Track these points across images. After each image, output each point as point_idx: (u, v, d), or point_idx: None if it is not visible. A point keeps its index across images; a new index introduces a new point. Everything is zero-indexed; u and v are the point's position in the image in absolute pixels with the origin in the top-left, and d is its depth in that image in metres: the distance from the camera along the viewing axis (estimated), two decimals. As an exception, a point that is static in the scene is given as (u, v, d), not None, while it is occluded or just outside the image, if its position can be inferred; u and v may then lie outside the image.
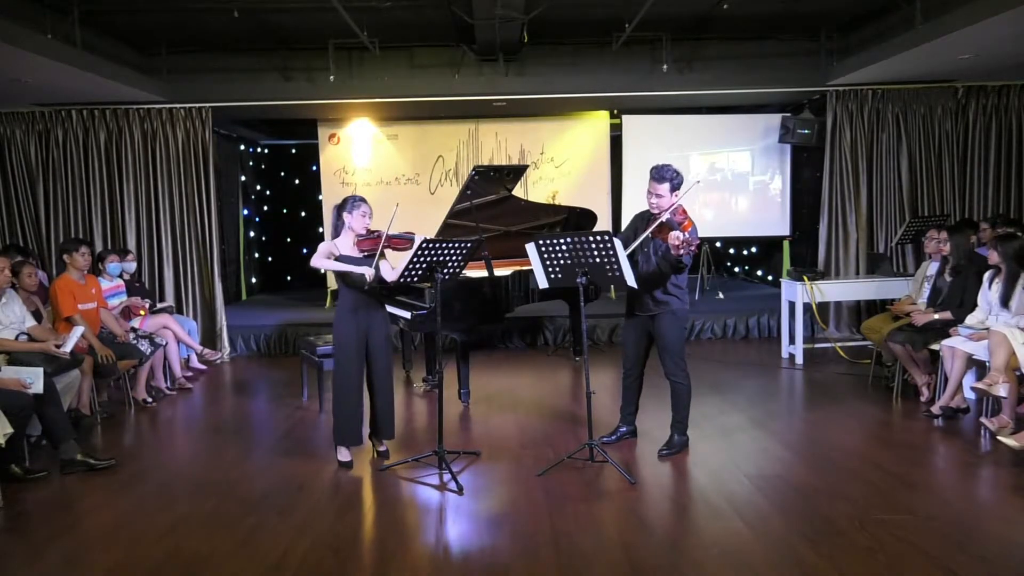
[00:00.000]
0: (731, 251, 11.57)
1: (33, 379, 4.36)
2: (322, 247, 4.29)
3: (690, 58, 8.02)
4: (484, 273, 5.92)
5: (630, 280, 4.13)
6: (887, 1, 6.81)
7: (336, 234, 4.36)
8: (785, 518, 3.61)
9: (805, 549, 3.28)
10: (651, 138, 8.87)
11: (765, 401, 5.79)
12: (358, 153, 9.13)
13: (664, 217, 4.23)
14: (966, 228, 5.73)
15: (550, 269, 4.29)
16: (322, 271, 9.64)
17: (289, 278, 11.23)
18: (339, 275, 4.32)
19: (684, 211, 4.31)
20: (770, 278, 10.17)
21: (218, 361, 7.32)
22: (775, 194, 9.15)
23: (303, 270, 10.98)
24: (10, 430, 4.06)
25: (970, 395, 5.05)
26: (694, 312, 8.03)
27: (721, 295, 9.18)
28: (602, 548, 3.35)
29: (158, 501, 4.03)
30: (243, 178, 10.32)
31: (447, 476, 4.17)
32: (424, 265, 4.15)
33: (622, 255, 4.07)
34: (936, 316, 5.28)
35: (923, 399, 5.42)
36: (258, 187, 10.94)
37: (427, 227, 5.66)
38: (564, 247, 4.18)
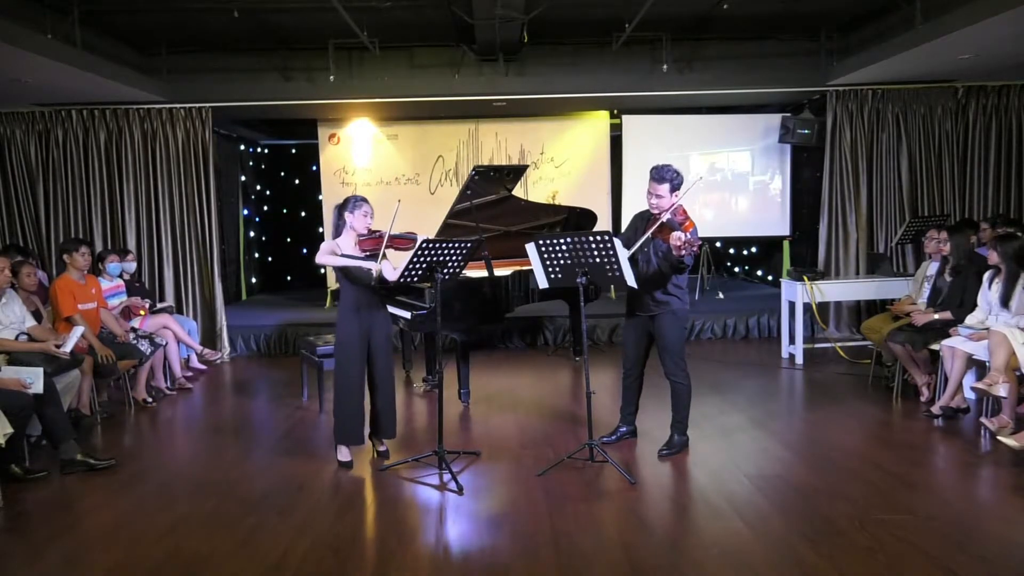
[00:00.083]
0: (731, 251, 11.57)
1: (33, 379, 4.36)
2: (324, 246, 4.29)
3: (690, 58, 8.02)
4: (484, 273, 5.92)
5: (630, 280, 4.13)
6: (887, 1, 6.81)
7: (337, 233, 4.36)
8: (785, 518, 3.61)
9: (805, 549, 3.28)
10: (651, 138, 8.87)
11: (765, 401, 5.79)
12: (358, 153, 9.13)
13: (665, 217, 4.23)
14: (966, 228, 5.73)
15: (550, 269, 4.29)
16: (321, 271, 9.66)
17: (289, 278, 11.24)
18: (342, 274, 4.32)
19: (684, 211, 4.31)
20: (770, 278, 10.17)
21: (218, 361, 7.32)
22: (775, 194, 9.15)
23: (303, 270, 11.04)
24: (10, 430, 4.06)
25: (970, 395, 5.05)
26: (694, 312, 8.03)
27: (721, 295, 9.18)
28: (602, 548, 3.35)
29: (158, 501, 4.03)
30: (243, 178, 10.32)
31: (447, 476, 4.17)
32: (424, 265, 4.16)
33: (622, 255, 4.07)
34: (936, 316, 5.28)
35: (923, 399, 5.42)
36: (258, 187, 10.94)
37: (427, 227, 5.65)
38: (564, 247, 4.18)
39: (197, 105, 7.64)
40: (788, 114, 8.59)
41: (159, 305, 6.90)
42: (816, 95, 8.13)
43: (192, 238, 7.75)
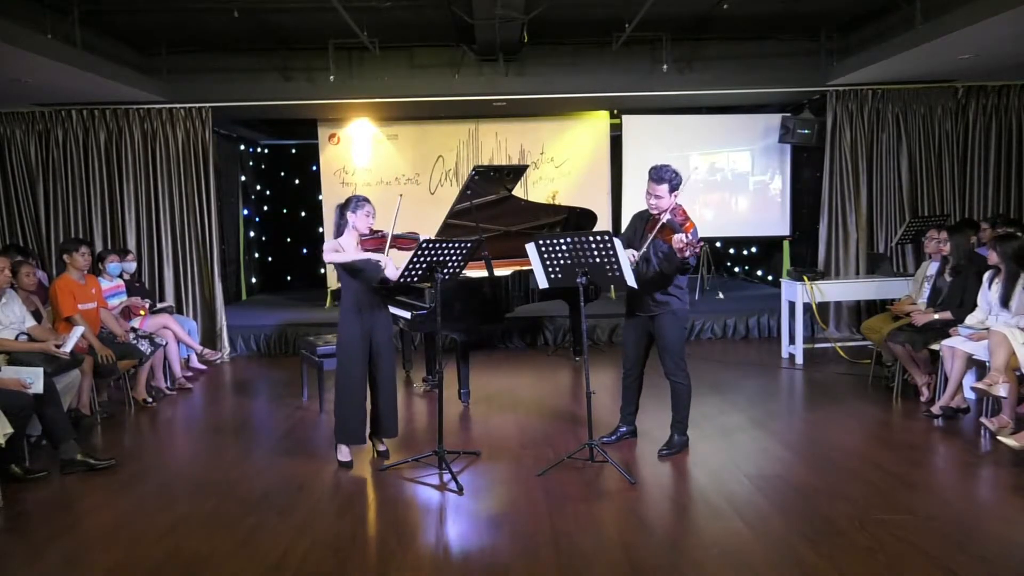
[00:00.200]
0: (731, 251, 11.57)
1: (33, 379, 4.36)
2: (329, 245, 4.29)
3: (690, 58, 8.02)
4: (484, 273, 5.92)
5: (630, 280, 4.13)
6: (887, 1, 6.81)
7: (339, 233, 4.36)
8: (785, 518, 3.61)
9: (805, 549, 3.28)
10: (651, 138, 8.87)
11: (765, 401, 5.79)
12: (358, 153, 9.13)
13: (665, 218, 4.23)
14: (966, 228, 5.73)
15: (550, 269, 4.29)
16: (322, 271, 9.67)
17: (289, 278, 11.24)
18: (346, 273, 4.30)
19: (684, 211, 4.31)
20: (770, 278, 10.17)
21: (218, 361, 7.32)
22: (775, 194, 9.15)
23: (303, 270, 11.04)
24: (10, 430, 4.06)
25: (970, 395, 5.05)
26: (694, 312, 8.03)
27: (721, 295, 9.18)
28: (602, 548, 3.35)
29: (158, 501, 4.03)
30: (243, 178, 10.32)
31: (447, 476, 4.17)
32: (424, 265, 4.16)
33: (622, 255, 4.06)
34: (936, 316, 5.28)
35: (923, 399, 5.42)
36: (258, 187, 10.94)
37: (427, 227, 5.66)
38: (564, 247, 4.18)
39: (197, 105, 7.64)
40: (788, 114, 8.59)
41: (159, 305, 6.90)
42: (816, 95, 8.13)
43: (192, 238, 7.75)
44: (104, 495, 4.13)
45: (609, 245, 4.04)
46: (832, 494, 3.87)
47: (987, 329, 4.79)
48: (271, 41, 7.76)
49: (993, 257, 4.92)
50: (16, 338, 4.87)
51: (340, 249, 4.27)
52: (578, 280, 4.20)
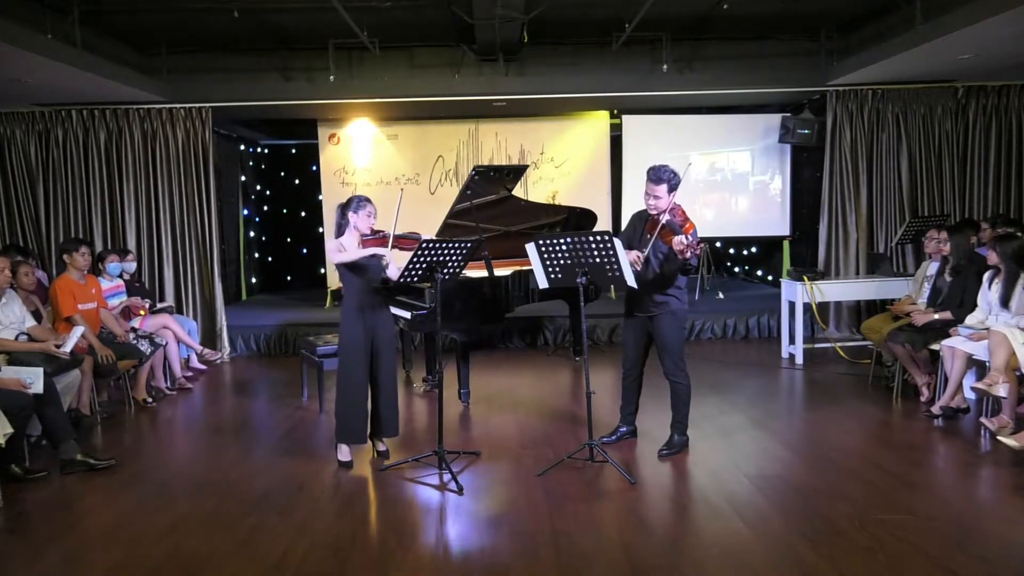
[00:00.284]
0: (731, 251, 11.57)
1: (33, 379, 4.36)
2: (332, 245, 4.29)
3: (690, 58, 8.02)
4: (484, 273, 5.92)
5: (630, 280, 4.13)
6: (887, 1, 6.81)
7: (340, 233, 4.37)
8: (785, 518, 3.61)
9: (805, 549, 3.28)
10: (651, 138, 8.87)
11: (765, 401, 5.79)
12: (358, 153, 9.13)
13: (664, 219, 4.23)
14: (966, 228, 5.73)
15: (550, 269, 4.29)
16: (322, 271, 9.66)
17: (289, 278, 11.23)
18: (349, 273, 4.30)
19: (683, 212, 4.31)
20: (770, 278, 10.17)
21: (218, 361, 7.32)
22: (775, 194, 9.15)
23: (303, 270, 11.04)
24: (10, 430, 4.06)
25: (970, 395, 5.05)
26: (694, 312, 8.04)
27: (721, 295, 9.18)
28: (602, 548, 3.35)
29: (158, 501, 4.03)
30: (243, 178, 10.32)
31: (447, 476, 4.17)
32: (424, 265, 4.16)
33: (622, 255, 4.06)
34: (936, 316, 5.28)
35: (923, 399, 5.42)
36: (258, 187, 10.94)
37: (427, 227, 5.66)
38: (564, 247, 4.18)
39: (197, 105, 7.64)
40: (788, 114, 8.59)
41: (159, 305, 6.90)
42: (816, 95, 8.13)
43: (192, 238, 7.75)
44: (104, 495, 4.13)
45: (609, 245, 4.04)
46: (832, 494, 3.87)
47: (987, 329, 4.79)
48: (271, 41, 7.76)
49: (993, 257, 4.92)
50: (16, 338, 4.87)
51: (343, 249, 4.27)
52: (578, 280, 4.20)
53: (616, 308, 7.75)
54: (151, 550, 3.44)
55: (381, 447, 4.61)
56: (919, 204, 7.82)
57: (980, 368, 4.93)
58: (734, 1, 6.64)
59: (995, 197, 7.85)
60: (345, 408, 4.37)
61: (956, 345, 4.91)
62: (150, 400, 5.99)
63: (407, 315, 5.61)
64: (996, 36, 5.69)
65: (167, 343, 6.27)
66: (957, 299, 5.27)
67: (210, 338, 7.71)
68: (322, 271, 9.76)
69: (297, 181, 11.13)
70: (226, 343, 7.79)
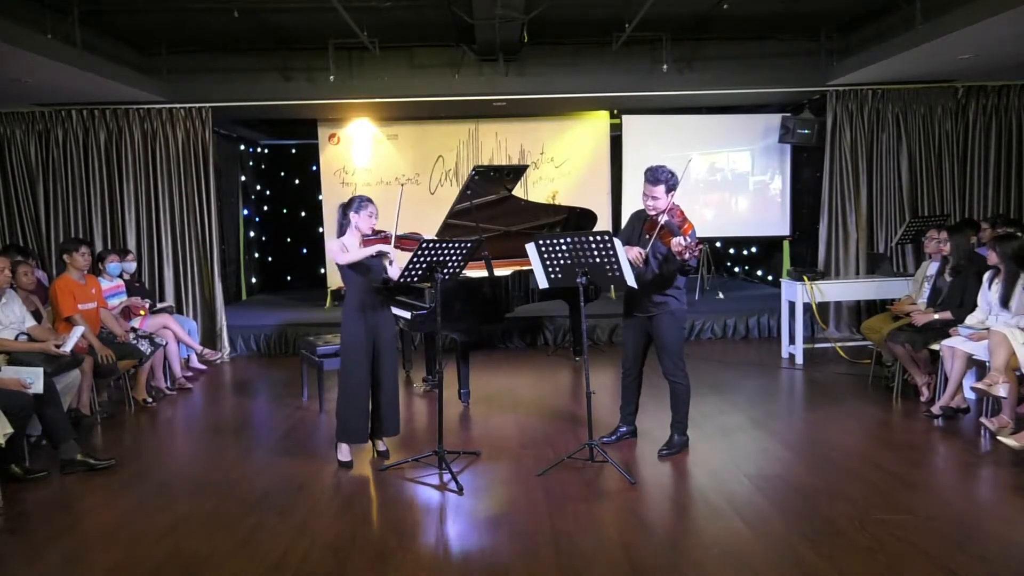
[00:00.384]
0: (731, 251, 11.57)
1: (33, 379, 4.36)
2: (334, 245, 4.29)
3: (690, 58, 8.02)
4: (484, 273, 5.92)
5: (630, 280, 4.13)
6: (887, 1, 6.81)
7: (341, 232, 4.37)
8: (785, 518, 3.61)
9: (805, 549, 3.28)
10: (651, 138, 8.87)
11: (765, 401, 5.79)
12: (358, 153, 9.13)
13: (663, 220, 4.23)
14: (966, 228, 5.73)
15: (550, 269, 4.28)
16: (322, 271, 9.66)
17: (289, 278, 11.23)
18: (352, 272, 4.29)
19: (682, 212, 4.31)
20: (770, 278, 10.17)
21: (218, 361, 7.32)
22: (775, 194, 9.15)
23: (303, 270, 11.04)
24: (10, 430, 4.06)
25: (970, 395, 5.05)
26: (694, 312, 8.05)
27: (721, 295, 9.18)
28: (602, 548, 3.35)
29: (158, 501, 4.03)
30: (243, 178, 10.32)
31: (447, 476, 4.17)
32: (424, 265, 4.16)
33: (622, 255, 4.06)
34: (936, 316, 5.28)
35: (923, 399, 5.42)
36: (258, 187, 10.94)
37: (427, 227, 5.66)
38: (564, 247, 4.18)
39: (197, 105, 7.64)
40: (788, 114, 8.59)
41: (159, 305, 6.90)
42: (816, 95, 8.13)
43: (192, 238, 7.75)
44: (104, 495, 4.13)
45: (609, 245, 4.04)
46: (832, 494, 3.87)
47: (987, 329, 4.79)
48: (271, 41, 7.76)
49: (993, 257, 4.92)
50: (16, 338, 4.87)
51: (346, 249, 4.27)
52: (578, 280, 4.20)
53: (616, 308, 7.73)
54: (151, 550, 3.44)
55: (381, 447, 4.61)
56: (919, 204, 7.82)
57: (980, 368, 4.93)
58: (734, 1, 6.64)
59: (995, 197, 7.85)
60: (346, 407, 4.37)
61: (956, 345, 4.91)
62: (150, 400, 5.99)
63: (407, 315, 5.61)
64: (996, 36, 5.69)
65: (167, 343, 6.27)
66: (957, 299, 5.27)
67: (210, 338, 7.71)
68: (322, 271, 9.76)
69: (297, 181, 11.13)
70: (226, 343, 7.79)
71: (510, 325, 7.84)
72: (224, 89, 7.71)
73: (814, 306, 6.92)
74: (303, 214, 11.09)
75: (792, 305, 7.00)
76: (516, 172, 6.47)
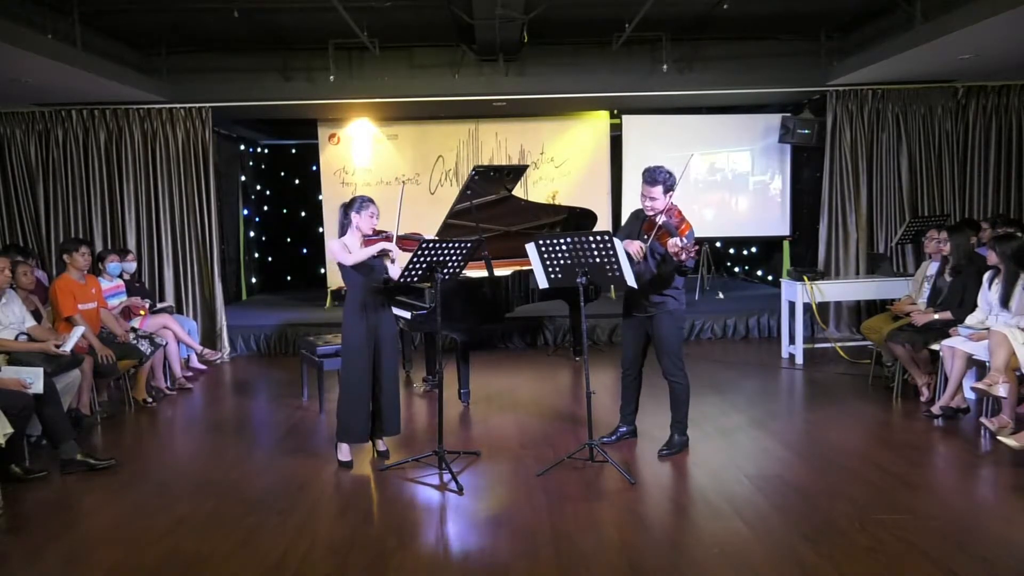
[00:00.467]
0: (731, 251, 11.57)
1: (33, 379, 4.37)
2: (337, 246, 4.29)
3: (690, 58, 8.02)
4: (484, 273, 5.92)
5: (630, 280, 4.13)
6: (887, 1, 6.81)
7: (342, 232, 4.37)
8: (785, 518, 3.61)
9: (805, 549, 3.28)
10: (651, 138, 8.87)
11: (765, 401, 5.79)
12: (358, 153, 9.13)
13: (660, 220, 4.23)
14: (966, 228, 5.73)
15: (550, 269, 4.29)
16: (322, 271, 9.66)
17: (289, 278, 11.23)
18: (354, 272, 4.29)
19: (680, 213, 4.31)
20: (770, 278, 10.17)
21: (218, 361, 7.32)
22: (775, 194, 9.15)
23: (303, 270, 11.04)
24: (10, 430, 4.06)
25: (970, 395, 5.05)
26: (694, 312, 8.05)
27: (721, 295, 9.18)
28: (602, 548, 3.35)
29: (158, 501, 4.03)
30: (243, 178, 10.32)
31: (447, 476, 4.17)
32: (424, 265, 4.16)
33: (622, 255, 4.06)
34: (936, 316, 5.28)
35: (923, 399, 5.42)
36: (258, 187, 10.93)
37: (427, 227, 5.67)
38: (564, 247, 4.18)
39: (197, 105, 7.63)
40: (788, 114, 8.59)
41: (159, 305, 6.90)
42: (816, 95, 8.13)
43: (192, 238, 7.75)
44: (104, 495, 4.13)
45: (609, 245, 4.04)
46: (832, 494, 3.87)
47: (987, 329, 4.79)
48: (271, 41, 7.76)
49: (993, 257, 4.92)
50: (16, 338, 4.87)
51: (347, 249, 4.28)
52: (578, 280, 4.20)
53: (616, 308, 7.72)
54: (151, 550, 3.44)
55: (381, 447, 4.61)
56: (919, 204, 7.82)
57: (980, 368, 4.93)
58: (734, 1, 6.64)
59: (995, 197, 7.85)
60: (347, 407, 4.37)
61: (956, 345, 4.91)
62: (150, 400, 5.99)
63: (407, 315, 5.61)
64: (996, 36, 5.69)
65: (167, 343, 6.27)
66: (957, 299, 5.27)
67: (210, 338, 7.71)
68: (322, 271, 9.75)
69: (297, 181, 11.13)
70: (226, 343, 7.79)
71: (510, 325, 7.84)
72: (224, 89, 7.70)
73: (814, 306, 6.92)
74: (303, 214, 11.09)
75: (792, 305, 7.00)
76: (516, 172, 6.47)
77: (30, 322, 5.04)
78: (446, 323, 5.22)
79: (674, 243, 4.07)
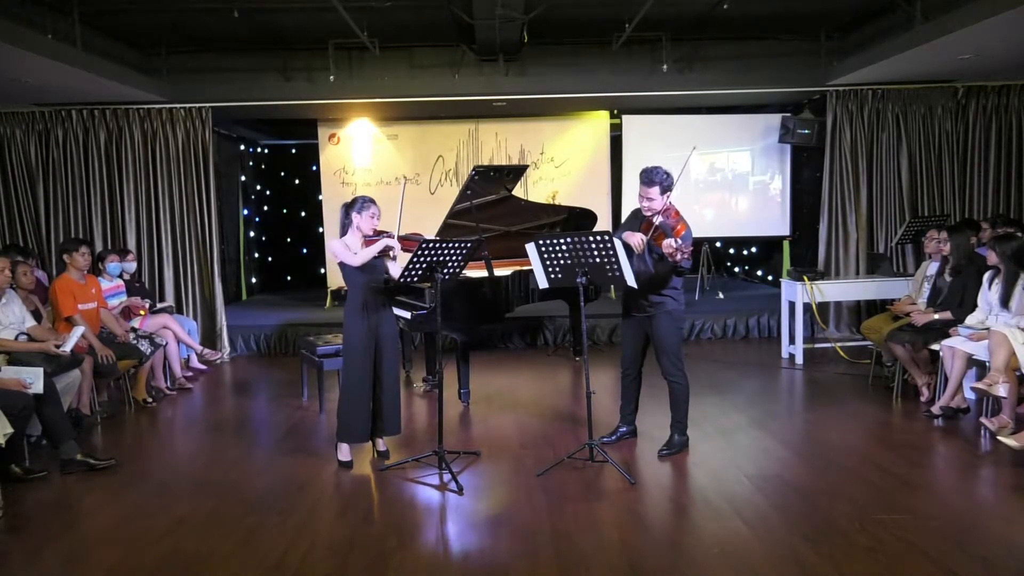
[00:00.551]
0: (731, 251, 11.57)
1: (33, 379, 4.37)
2: (339, 245, 4.29)
3: (690, 58, 8.02)
4: (484, 273, 5.92)
5: (630, 280, 4.13)
6: (887, 1, 6.81)
7: (343, 232, 4.37)
8: (785, 518, 3.61)
9: (805, 549, 3.28)
10: (651, 138, 8.87)
11: (765, 401, 5.79)
12: (358, 153, 9.13)
13: (657, 220, 4.24)
14: (966, 228, 5.73)
15: (550, 269, 4.29)
16: (322, 271, 9.66)
17: (289, 278, 11.23)
18: (356, 272, 4.29)
19: (677, 213, 4.31)
20: (770, 278, 10.17)
21: (218, 361, 7.32)
22: (775, 194, 9.15)
23: (303, 270, 11.04)
24: (10, 430, 4.06)
25: (970, 395, 5.05)
26: (694, 312, 8.05)
27: (721, 295, 9.18)
28: (602, 548, 3.35)
29: (158, 501, 4.03)
30: (243, 178, 10.32)
31: (447, 476, 4.17)
32: (424, 265, 4.16)
33: (622, 255, 4.07)
34: (936, 316, 5.28)
35: (923, 399, 5.42)
36: (258, 187, 10.93)
37: (427, 227, 5.67)
38: (564, 247, 4.18)
39: (197, 105, 7.63)
40: (788, 114, 8.59)
41: (159, 305, 6.90)
42: (816, 95, 8.13)
43: (192, 238, 7.75)
44: (104, 495, 4.13)
45: (609, 245, 4.04)
46: (832, 494, 3.87)
47: (987, 329, 4.79)
48: (271, 41, 7.76)
49: (993, 257, 4.92)
50: (16, 338, 4.87)
51: (349, 249, 4.28)
52: (578, 280, 4.20)
53: (616, 308, 7.71)
54: (151, 550, 3.44)
55: (381, 447, 4.61)
56: (919, 204, 7.82)
57: (980, 368, 4.93)
58: (734, 1, 6.64)
59: (995, 197, 7.85)
60: (348, 406, 4.37)
61: (956, 345, 4.91)
62: (150, 400, 5.99)
63: (407, 315, 5.61)
64: (996, 36, 5.69)
65: (167, 343, 6.27)
66: (957, 299, 5.27)
67: (210, 338, 7.71)
68: (322, 271, 9.75)
69: (297, 181, 11.13)
70: (226, 343, 7.79)
71: (510, 325, 7.84)
72: (224, 89, 7.70)
73: (814, 306, 6.92)
74: (303, 214, 11.09)
75: (792, 305, 7.00)
76: (516, 172, 6.47)
77: (30, 322, 5.04)
78: (446, 323, 5.22)
79: (668, 244, 4.08)
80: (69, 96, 7.15)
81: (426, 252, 4.11)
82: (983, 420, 4.60)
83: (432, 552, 3.40)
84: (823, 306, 7.58)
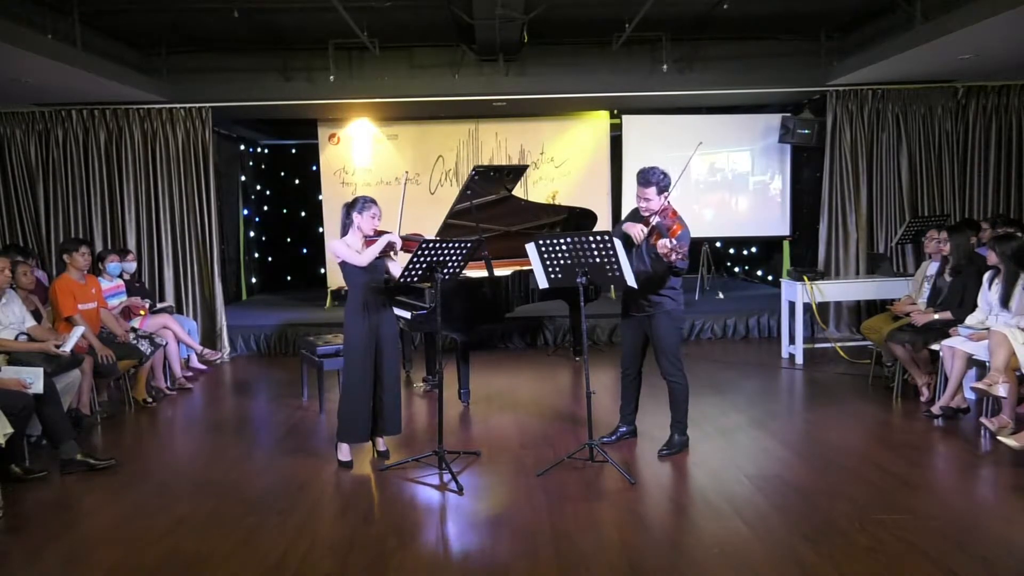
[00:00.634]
0: (731, 251, 11.57)
1: (33, 379, 4.37)
2: (341, 245, 4.29)
3: (690, 58, 8.02)
4: (484, 273, 5.92)
5: (630, 280, 4.13)
6: (887, 1, 6.81)
7: (344, 232, 4.38)
8: (785, 518, 3.61)
9: (805, 549, 3.28)
10: (651, 138, 8.86)
11: (765, 401, 5.79)
12: (358, 153, 9.13)
13: (654, 221, 4.24)
14: (966, 228, 5.73)
15: (550, 269, 4.29)
16: (322, 271, 9.66)
17: (289, 278, 11.23)
18: (357, 271, 4.29)
19: (674, 214, 4.31)
20: (770, 278, 10.17)
21: (218, 361, 7.32)
22: (775, 194, 9.15)
23: (303, 270, 11.04)
24: (10, 430, 4.06)
25: (970, 395, 5.05)
26: (694, 312, 8.06)
27: (721, 295, 9.18)
28: (602, 548, 3.36)
29: (158, 501, 4.03)
30: (243, 178, 10.31)
31: (447, 476, 4.17)
32: (424, 265, 4.16)
33: (622, 255, 4.07)
34: (936, 316, 5.28)
35: (923, 399, 5.42)
36: (258, 187, 10.93)
37: (427, 227, 5.67)
38: (564, 247, 4.18)
39: (197, 105, 7.63)
40: (788, 114, 8.59)
41: (159, 305, 6.90)
42: (816, 95, 8.13)
43: (192, 238, 7.75)
44: (104, 495, 4.13)
45: (609, 245, 4.05)
46: (832, 494, 3.87)
47: (987, 329, 4.79)
48: (271, 41, 7.76)
49: (992, 257, 4.92)
50: (16, 338, 4.87)
51: (354, 249, 4.28)
52: (578, 280, 4.20)
53: (616, 308, 7.71)
54: (151, 550, 3.44)
55: (381, 447, 4.61)
56: (919, 204, 7.82)
57: (980, 368, 4.93)
58: (734, 1, 6.64)
59: (995, 197, 7.85)
60: (348, 406, 4.37)
61: (956, 345, 4.91)
62: (150, 400, 5.99)
63: (407, 315, 5.61)
64: (996, 36, 5.69)
65: (167, 343, 6.27)
66: (957, 299, 5.27)
67: (210, 338, 7.71)
68: (322, 271, 9.75)
69: (297, 181, 11.13)
70: (226, 343, 7.79)
71: (510, 325, 7.84)
72: (224, 89, 7.70)
73: (814, 306, 6.92)
74: (303, 214, 11.09)
75: (792, 305, 7.00)
76: (516, 172, 6.47)
77: (30, 322, 5.04)
78: (446, 323, 5.22)
79: (663, 244, 4.08)
80: (69, 96, 7.15)
81: (426, 252, 4.11)
82: (983, 420, 4.60)
83: (432, 552, 3.40)
84: (823, 306, 7.58)
